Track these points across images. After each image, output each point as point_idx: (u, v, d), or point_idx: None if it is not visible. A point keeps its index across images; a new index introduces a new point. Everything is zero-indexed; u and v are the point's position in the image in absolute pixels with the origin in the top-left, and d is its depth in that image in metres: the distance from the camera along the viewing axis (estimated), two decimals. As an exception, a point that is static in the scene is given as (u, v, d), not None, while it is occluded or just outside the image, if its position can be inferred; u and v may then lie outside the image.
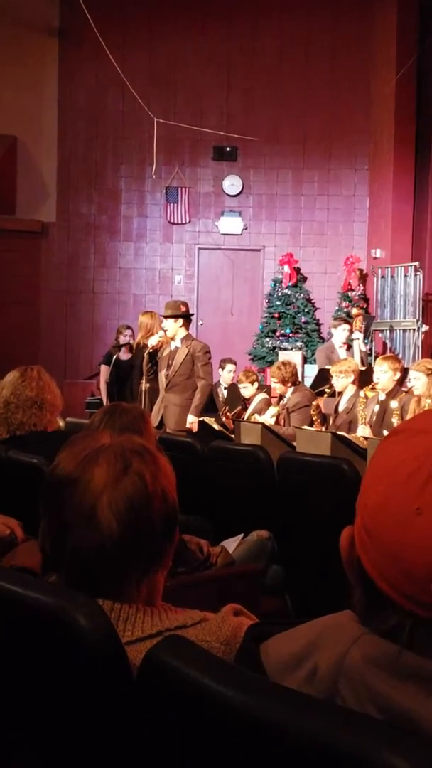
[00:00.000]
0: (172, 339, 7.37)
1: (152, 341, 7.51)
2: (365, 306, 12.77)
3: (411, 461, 0.95)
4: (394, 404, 5.94)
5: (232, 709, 0.97)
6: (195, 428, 7.15)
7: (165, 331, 7.37)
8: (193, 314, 8.04)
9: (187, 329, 7.45)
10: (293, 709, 0.92)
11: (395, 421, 5.76)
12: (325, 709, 0.92)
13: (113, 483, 1.43)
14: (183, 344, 7.32)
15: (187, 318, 7.46)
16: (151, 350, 7.49)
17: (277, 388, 7.34)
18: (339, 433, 5.76)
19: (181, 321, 7.32)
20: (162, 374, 7.36)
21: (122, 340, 9.87)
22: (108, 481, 1.43)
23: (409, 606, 0.92)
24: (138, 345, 8.43)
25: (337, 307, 13.03)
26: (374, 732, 0.85)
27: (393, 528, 0.94)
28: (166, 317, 7.36)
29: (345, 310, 12.65)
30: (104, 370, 9.68)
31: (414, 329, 11.54)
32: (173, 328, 7.31)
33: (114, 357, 9.53)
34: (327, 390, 6.84)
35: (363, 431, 6.00)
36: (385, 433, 5.72)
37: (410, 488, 0.93)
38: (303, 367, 11.74)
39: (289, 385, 7.18)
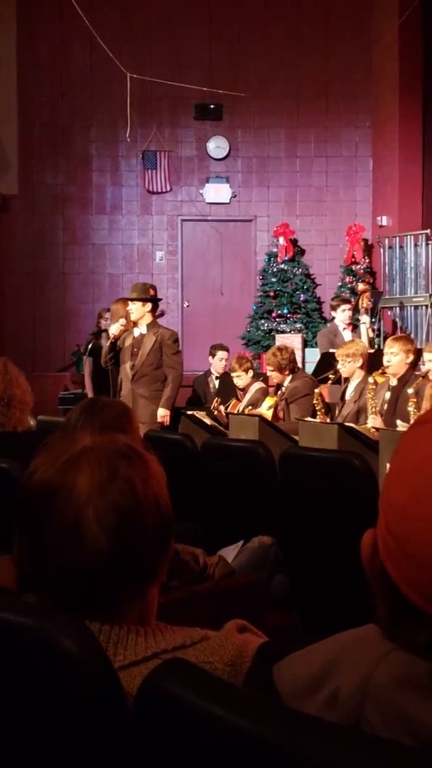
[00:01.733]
0: (136, 325, 7.48)
1: (113, 330, 7.60)
2: (371, 281, 12.80)
3: None
4: (409, 390, 5.95)
5: (244, 739, 0.97)
6: (167, 421, 7.35)
7: (129, 314, 7.50)
8: (161, 299, 8.17)
9: (154, 315, 7.60)
10: (314, 738, 0.92)
11: (411, 409, 5.77)
12: (351, 737, 0.92)
13: (99, 491, 1.41)
14: (149, 331, 7.48)
15: (155, 303, 7.63)
16: (112, 339, 7.57)
17: (273, 376, 7.37)
18: (347, 424, 5.78)
19: (149, 305, 7.46)
20: (127, 366, 7.46)
21: (104, 325, 9.82)
22: (93, 490, 1.41)
23: None
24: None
25: (340, 283, 13.05)
26: (408, 762, 0.84)
27: (422, 530, 0.93)
28: (132, 300, 7.48)
29: (349, 285, 12.67)
30: (88, 362, 9.57)
31: (426, 305, 11.57)
32: (139, 311, 7.47)
33: (91, 345, 9.49)
34: (331, 376, 6.85)
35: (373, 422, 6.02)
36: (399, 422, 5.75)
37: None
38: (303, 352, 11.76)
39: (287, 372, 7.20)
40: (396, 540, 0.97)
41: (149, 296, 7.52)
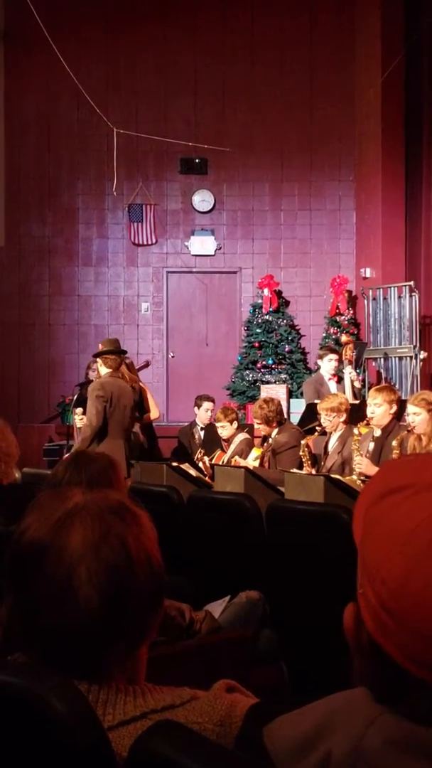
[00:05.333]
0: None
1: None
2: (356, 332, 12.87)
3: (430, 522, 0.94)
4: (393, 443, 5.96)
5: (235, 803, 0.97)
6: None
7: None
8: (125, 352, 7.97)
9: (113, 366, 7.39)
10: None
11: (395, 460, 5.77)
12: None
13: (91, 550, 1.40)
14: None
15: (105, 356, 7.46)
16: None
17: (260, 428, 7.33)
18: (333, 476, 5.77)
19: (99, 361, 7.48)
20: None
21: (91, 375, 9.82)
22: (85, 549, 1.40)
23: None
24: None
25: (324, 334, 13.12)
26: None
27: (424, 603, 0.92)
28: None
29: (333, 336, 12.74)
30: (79, 413, 9.54)
31: (411, 356, 11.64)
32: (99, 371, 7.52)
33: (77, 396, 9.47)
34: (318, 428, 6.85)
35: (360, 464, 5.98)
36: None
37: None
38: (288, 402, 11.78)
39: (274, 425, 7.17)
40: (393, 615, 0.95)
41: (97, 351, 7.66)
